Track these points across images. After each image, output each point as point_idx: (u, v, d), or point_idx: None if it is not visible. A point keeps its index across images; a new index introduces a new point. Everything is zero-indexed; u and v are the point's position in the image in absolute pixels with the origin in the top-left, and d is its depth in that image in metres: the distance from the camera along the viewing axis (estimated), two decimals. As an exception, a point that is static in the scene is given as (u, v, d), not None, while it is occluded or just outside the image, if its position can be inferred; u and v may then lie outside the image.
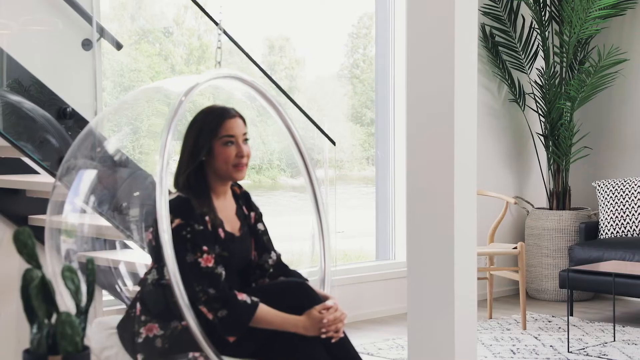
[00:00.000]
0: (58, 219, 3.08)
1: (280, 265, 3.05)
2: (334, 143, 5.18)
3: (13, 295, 4.02)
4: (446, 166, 3.63)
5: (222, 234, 2.84)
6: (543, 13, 6.40)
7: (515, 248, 5.34)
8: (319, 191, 3.38)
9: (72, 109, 4.24)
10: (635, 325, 5.46)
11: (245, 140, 2.92)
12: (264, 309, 2.77)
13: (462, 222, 3.64)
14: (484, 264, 5.91)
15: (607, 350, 4.76)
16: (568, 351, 4.74)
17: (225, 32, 4.59)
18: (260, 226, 3.06)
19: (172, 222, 2.71)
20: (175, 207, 2.74)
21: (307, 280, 3.02)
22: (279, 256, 3.07)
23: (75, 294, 2.37)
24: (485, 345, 4.91)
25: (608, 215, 6.13)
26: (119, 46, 4.62)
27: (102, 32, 4.50)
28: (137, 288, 2.94)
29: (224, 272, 2.77)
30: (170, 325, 2.75)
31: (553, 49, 6.47)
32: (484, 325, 5.41)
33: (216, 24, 4.54)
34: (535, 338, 5.08)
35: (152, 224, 2.80)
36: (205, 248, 2.74)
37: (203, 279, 2.71)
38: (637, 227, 6.03)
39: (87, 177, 3.16)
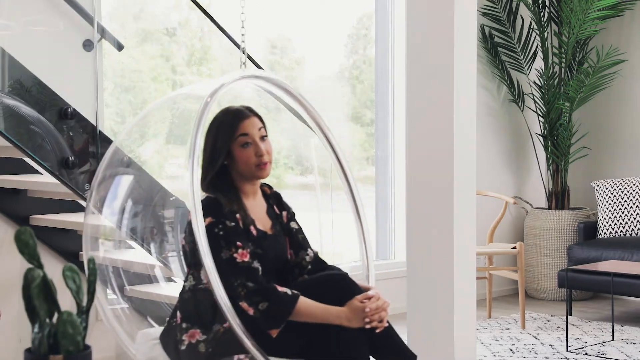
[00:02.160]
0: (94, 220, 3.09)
1: (318, 262, 3.03)
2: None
3: (14, 295, 4.03)
4: (446, 166, 3.65)
5: (254, 232, 2.85)
6: (542, 14, 6.41)
7: (515, 248, 5.35)
8: (356, 190, 3.37)
9: (74, 109, 4.25)
10: (634, 324, 5.47)
11: (263, 137, 2.91)
12: (305, 301, 2.74)
13: (461, 222, 3.66)
14: (483, 263, 5.92)
15: (605, 350, 4.78)
16: (567, 350, 4.76)
17: (226, 34, 4.60)
18: (293, 224, 3.05)
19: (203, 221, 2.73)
20: (205, 207, 2.76)
21: (346, 273, 2.97)
22: (316, 253, 3.05)
23: (77, 293, 2.38)
24: (484, 344, 4.92)
25: (607, 215, 6.14)
26: (120, 47, 4.64)
27: (103, 32, 4.52)
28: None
29: (260, 267, 2.77)
30: (212, 329, 2.74)
31: (552, 49, 6.49)
32: (483, 325, 5.42)
33: (220, 27, 4.55)
34: (534, 337, 5.10)
35: (185, 229, 2.82)
36: (239, 243, 2.74)
37: (241, 273, 2.71)
38: (635, 227, 6.05)
39: (122, 187, 3.17)
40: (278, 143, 5.97)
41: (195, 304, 2.79)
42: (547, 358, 4.61)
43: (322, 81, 6.21)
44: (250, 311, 2.70)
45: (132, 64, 5.15)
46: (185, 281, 2.87)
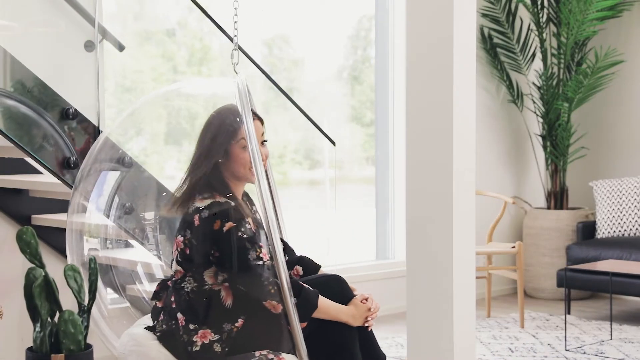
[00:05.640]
0: (80, 219, 3.11)
1: (289, 249, 3.15)
2: (334, 143, 5.20)
3: (16, 294, 4.05)
4: (445, 166, 3.66)
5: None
6: (541, 15, 6.43)
7: (514, 247, 5.37)
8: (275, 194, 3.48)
9: (75, 110, 4.27)
10: (632, 323, 5.49)
11: (263, 142, 2.95)
12: (323, 298, 2.86)
13: (461, 222, 3.66)
14: (482, 263, 5.94)
15: (604, 349, 4.80)
16: (565, 349, 4.78)
17: (226, 34, 4.61)
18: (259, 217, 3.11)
19: (222, 226, 2.74)
20: (222, 212, 2.77)
21: (320, 263, 3.16)
22: (282, 240, 3.14)
23: (78, 292, 2.40)
24: (483, 343, 4.94)
25: (605, 215, 6.16)
26: (121, 47, 4.65)
27: (104, 33, 4.53)
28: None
29: None
30: (224, 329, 2.75)
31: (551, 50, 6.51)
32: (483, 324, 5.44)
33: (220, 27, 4.56)
34: (533, 336, 5.11)
35: (182, 230, 2.82)
36: (261, 244, 2.79)
37: (270, 272, 2.76)
38: (633, 226, 6.07)
39: (109, 180, 3.18)
40: (284, 138, 5.97)
41: (203, 304, 2.78)
42: (545, 357, 4.63)
43: (322, 82, 6.23)
44: (277, 309, 2.74)
45: (133, 64, 5.17)
46: (179, 283, 2.83)
